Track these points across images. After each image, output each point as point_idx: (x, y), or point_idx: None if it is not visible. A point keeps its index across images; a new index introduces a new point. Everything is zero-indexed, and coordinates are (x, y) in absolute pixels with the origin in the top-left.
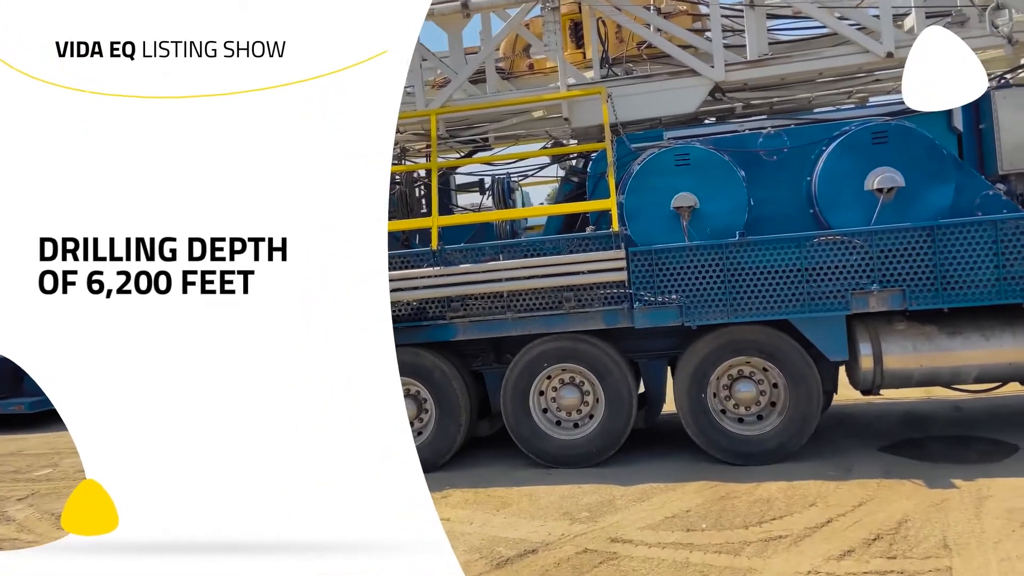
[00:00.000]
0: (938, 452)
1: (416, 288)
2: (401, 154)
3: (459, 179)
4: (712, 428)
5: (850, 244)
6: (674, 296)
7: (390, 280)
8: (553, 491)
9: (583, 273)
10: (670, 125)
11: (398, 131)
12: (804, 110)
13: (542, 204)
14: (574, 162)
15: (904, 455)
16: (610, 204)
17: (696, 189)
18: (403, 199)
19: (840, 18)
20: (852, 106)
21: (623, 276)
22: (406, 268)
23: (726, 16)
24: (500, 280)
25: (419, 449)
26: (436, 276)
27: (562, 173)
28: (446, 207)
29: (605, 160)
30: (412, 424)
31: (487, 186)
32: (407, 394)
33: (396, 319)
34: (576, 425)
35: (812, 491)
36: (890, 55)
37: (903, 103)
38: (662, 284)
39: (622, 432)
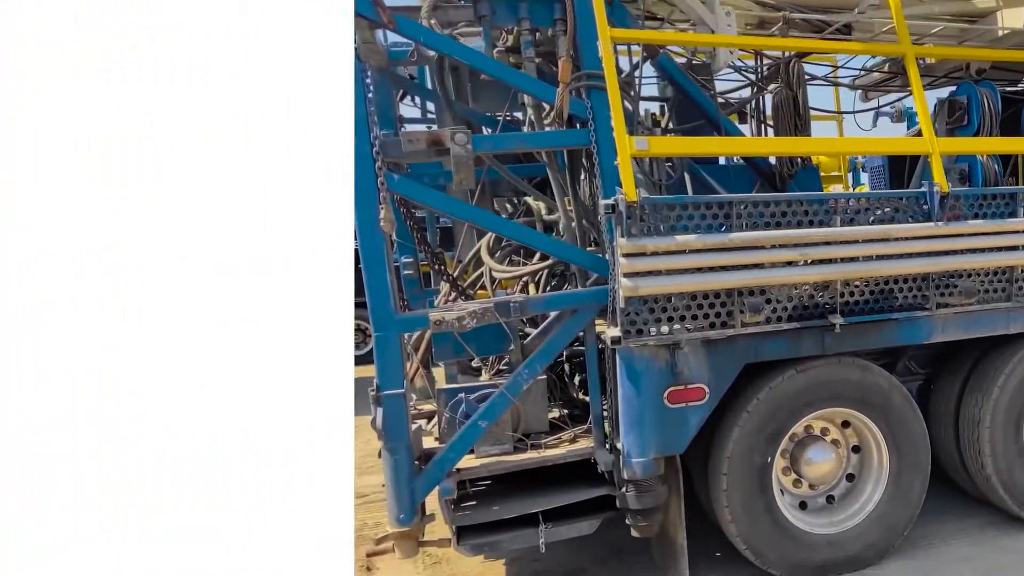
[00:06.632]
0: None
1: (903, 256)
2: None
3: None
4: None
5: None
6: None
7: (831, 243)
8: None
9: None
10: None
11: None
12: None
13: None
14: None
15: None
16: None
17: None
18: None
19: None
20: None
21: None
22: (846, 223)
23: None
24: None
25: (856, 533)
26: (941, 236)
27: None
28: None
29: None
30: (816, 488)
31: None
32: (818, 435)
33: (848, 309)
34: None
35: None
36: None
37: None
38: None
39: None
